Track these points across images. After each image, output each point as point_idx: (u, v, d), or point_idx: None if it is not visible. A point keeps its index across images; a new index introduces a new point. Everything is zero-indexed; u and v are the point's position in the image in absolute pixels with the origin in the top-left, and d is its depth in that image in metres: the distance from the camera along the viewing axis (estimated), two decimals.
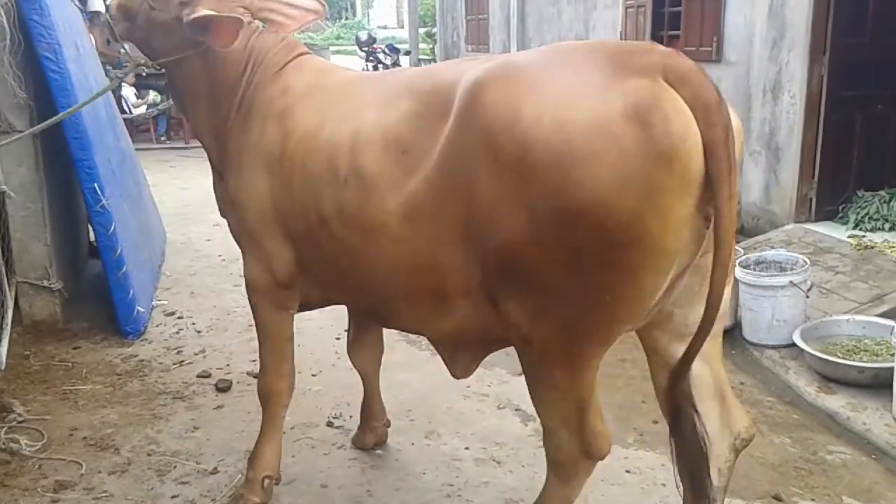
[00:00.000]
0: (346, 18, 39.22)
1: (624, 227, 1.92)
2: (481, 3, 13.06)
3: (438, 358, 4.26)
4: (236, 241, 2.97)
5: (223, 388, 3.99)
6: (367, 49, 17.24)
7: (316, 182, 2.49)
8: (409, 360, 4.39)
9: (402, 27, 40.99)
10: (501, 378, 4.11)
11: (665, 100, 1.91)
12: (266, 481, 3.04)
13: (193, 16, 2.64)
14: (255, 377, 4.13)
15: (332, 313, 5.02)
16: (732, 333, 4.63)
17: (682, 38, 7.35)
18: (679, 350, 2.28)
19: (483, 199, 2.08)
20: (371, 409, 3.48)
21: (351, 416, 3.72)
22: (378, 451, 3.44)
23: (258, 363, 3.88)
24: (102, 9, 7.41)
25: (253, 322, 3.05)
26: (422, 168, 2.21)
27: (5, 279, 4.23)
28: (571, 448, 2.32)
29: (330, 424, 3.67)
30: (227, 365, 4.30)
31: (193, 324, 4.89)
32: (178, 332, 4.76)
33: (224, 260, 6.12)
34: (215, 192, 3.07)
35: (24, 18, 4.02)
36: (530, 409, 3.77)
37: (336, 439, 3.54)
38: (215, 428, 3.64)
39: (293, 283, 2.83)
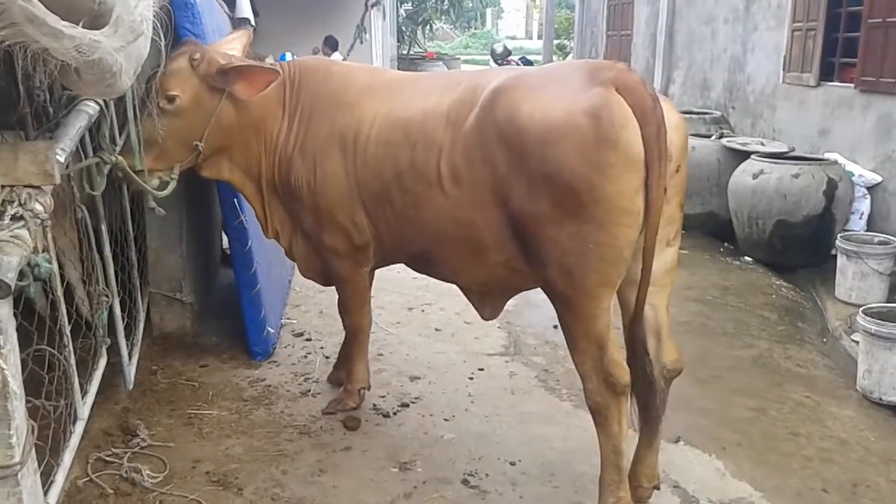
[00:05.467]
0: (476, 29, 39.21)
1: (587, 189, 2.64)
2: (625, 19, 12.49)
3: (582, 411, 3.93)
4: (310, 230, 3.57)
5: (352, 426, 3.73)
6: (500, 61, 17.18)
7: (392, 147, 3.20)
8: (548, 410, 4.01)
9: (531, 38, 40.74)
10: None
11: (612, 102, 2.65)
12: (361, 391, 3.90)
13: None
14: (385, 416, 3.89)
15: (464, 348, 4.75)
16: None
17: (858, 66, 6.67)
18: (631, 294, 2.89)
19: (501, 171, 2.85)
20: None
21: (488, 475, 3.38)
22: None
23: (386, 399, 3.96)
24: (251, 16, 7.38)
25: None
26: (458, 139, 3.00)
27: (139, 293, 4.12)
28: (600, 387, 2.84)
29: (465, 482, 3.33)
30: None
31: (322, 348, 4.66)
32: (306, 356, 4.55)
33: None
34: (263, 216, 3.69)
35: (177, 26, 3.88)
36: (690, 485, 3.36)
37: (472, 501, 3.21)
38: (343, 473, 3.37)
39: (367, 245, 3.49)
